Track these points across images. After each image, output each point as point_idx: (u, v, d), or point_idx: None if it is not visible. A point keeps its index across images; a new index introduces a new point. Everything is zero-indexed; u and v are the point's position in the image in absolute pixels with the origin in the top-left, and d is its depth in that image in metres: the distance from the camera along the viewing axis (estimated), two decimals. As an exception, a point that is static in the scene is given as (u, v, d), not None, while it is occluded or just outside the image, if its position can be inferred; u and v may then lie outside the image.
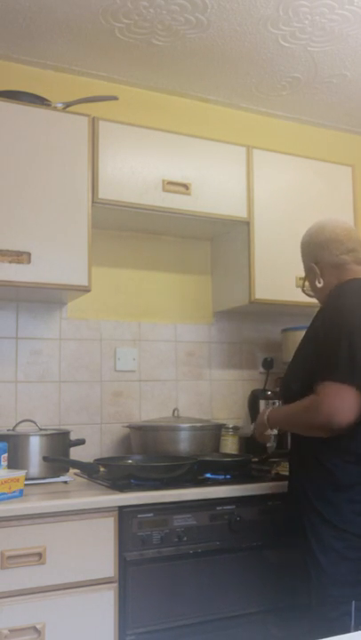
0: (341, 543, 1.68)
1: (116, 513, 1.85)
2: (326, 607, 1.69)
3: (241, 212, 2.53)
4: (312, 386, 1.70)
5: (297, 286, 2.59)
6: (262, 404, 2.63)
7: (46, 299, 2.44)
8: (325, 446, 1.72)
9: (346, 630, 1.60)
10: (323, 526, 1.70)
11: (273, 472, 2.25)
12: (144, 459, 2.26)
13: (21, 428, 2.17)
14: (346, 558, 1.68)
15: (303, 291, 2.05)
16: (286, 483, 2.09)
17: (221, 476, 2.13)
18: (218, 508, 1.97)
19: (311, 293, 2.02)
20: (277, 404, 2.02)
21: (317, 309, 2.77)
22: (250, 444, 2.66)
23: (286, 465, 2.32)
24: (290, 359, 2.64)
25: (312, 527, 1.73)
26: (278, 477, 2.18)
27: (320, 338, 1.74)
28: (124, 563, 1.83)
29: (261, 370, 2.80)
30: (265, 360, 2.78)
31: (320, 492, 1.73)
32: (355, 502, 1.69)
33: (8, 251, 2.10)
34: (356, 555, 1.68)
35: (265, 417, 1.95)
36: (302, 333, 2.66)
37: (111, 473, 2.05)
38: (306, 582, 1.75)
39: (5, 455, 1.94)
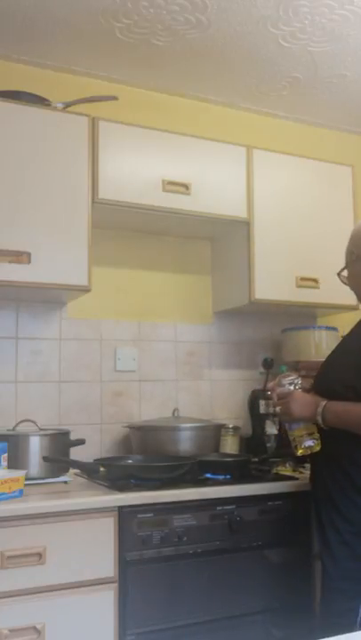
0: (358, 540, 1.70)
1: (116, 513, 1.85)
2: (334, 601, 1.72)
3: (241, 212, 2.53)
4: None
5: (298, 286, 2.60)
6: (262, 403, 2.63)
7: (46, 299, 2.44)
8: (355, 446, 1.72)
9: (351, 626, 1.61)
10: (341, 522, 1.72)
11: (273, 472, 2.25)
12: (144, 459, 2.26)
13: (21, 428, 2.17)
14: (359, 555, 1.69)
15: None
16: (286, 483, 2.10)
17: (221, 476, 2.12)
18: (218, 508, 1.97)
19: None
20: (299, 381, 1.86)
21: (319, 310, 2.79)
22: (250, 444, 2.66)
23: (286, 465, 2.33)
24: (291, 359, 2.66)
25: (330, 522, 1.74)
26: (278, 477, 2.18)
27: None
28: (124, 563, 1.83)
29: (261, 370, 2.80)
30: (265, 360, 2.78)
31: (342, 489, 1.73)
32: None
33: (8, 251, 2.10)
34: None
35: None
36: (302, 333, 2.71)
37: (111, 473, 2.05)
38: (306, 580, 1.77)
39: (5, 455, 1.94)
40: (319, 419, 1.73)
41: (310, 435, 1.76)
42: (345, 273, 1.94)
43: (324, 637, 0.86)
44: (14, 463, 1.99)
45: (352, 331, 1.90)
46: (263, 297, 2.53)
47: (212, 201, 2.47)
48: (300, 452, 1.78)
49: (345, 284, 1.95)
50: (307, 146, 3.01)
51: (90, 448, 2.35)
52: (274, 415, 2.57)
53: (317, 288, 2.61)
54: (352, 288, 1.93)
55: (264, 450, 2.55)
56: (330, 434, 1.75)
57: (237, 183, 2.54)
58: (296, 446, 1.78)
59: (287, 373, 1.88)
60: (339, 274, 1.95)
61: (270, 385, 1.90)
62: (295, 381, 1.82)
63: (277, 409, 1.84)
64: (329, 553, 1.75)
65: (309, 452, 1.78)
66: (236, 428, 2.60)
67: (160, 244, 2.76)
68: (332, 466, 1.77)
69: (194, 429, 2.38)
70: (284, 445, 2.53)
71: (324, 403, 1.73)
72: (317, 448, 1.76)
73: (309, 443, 1.76)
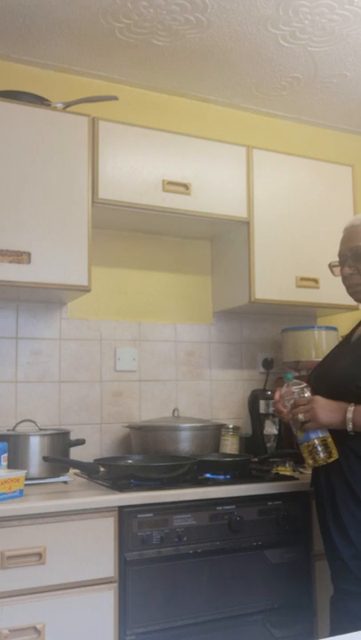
0: None
1: (116, 513, 1.85)
2: (356, 605, 1.66)
3: (241, 212, 2.53)
4: None
5: (297, 286, 2.60)
6: (262, 403, 2.63)
7: (46, 299, 2.44)
8: None
9: None
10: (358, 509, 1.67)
11: (273, 472, 2.25)
12: (144, 459, 2.26)
13: (21, 428, 2.17)
14: None
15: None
16: (286, 483, 2.10)
17: (221, 476, 2.13)
18: (218, 508, 1.97)
19: None
20: (309, 388, 1.75)
21: (319, 310, 2.79)
22: (250, 444, 2.66)
23: (286, 465, 2.32)
24: (291, 359, 2.66)
25: (353, 518, 1.68)
26: (278, 477, 2.18)
27: None
28: (124, 563, 1.83)
29: (261, 370, 2.80)
30: (265, 360, 2.79)
31: (358, 475, 1.68)
32: None
33: (8, 251, 2.10)
34: None
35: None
36: (302, 333, 2.70)
37: (111, 473, 2.05)
38: (306, 580, 1.74)
39: (5, 455, 1.94)
40: (350, 424, 1.64)
41: (326, 444, 1.68)
42: (342, 271, 1.84)
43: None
44: (14, 463, 1.99)
45: (357, 328, 1.88)
46: (263, 297, 2.53)
47: (212, 201, 2.47)
48: (320, 463, 1.69)
49: (345, 278, 1.84)
50: (307, 146, 3.02)
51: (90, 448, 2.35)
52: (274, 415, 2.57)
53: (317, 288, 2.61)
54: (350, 286, 1.84)
55: (264, 450, 2.55)
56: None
57: (237, 183, 2.54)
58: (315, 457, 1.68)
59: (296, 381, 1.77)
60: (331, 268, 1.87)
61: (277, 394, 1.78)
62: (305, 389, 1.73)
63: (300, 416, 1.70)
64: (355, 555, 1.67)
65: (324, 463, 1.69)
66: (236, 428, 2.60)
67: (160, 243, 2.76)
68: (346, 451, 1.69)
69: (194, 429, 2.38)
70: (284, 445, 2.54)
71: (352, 407, 1.65)
72: (331, 459, 1.68)
73: (325, 453, 1.68)
